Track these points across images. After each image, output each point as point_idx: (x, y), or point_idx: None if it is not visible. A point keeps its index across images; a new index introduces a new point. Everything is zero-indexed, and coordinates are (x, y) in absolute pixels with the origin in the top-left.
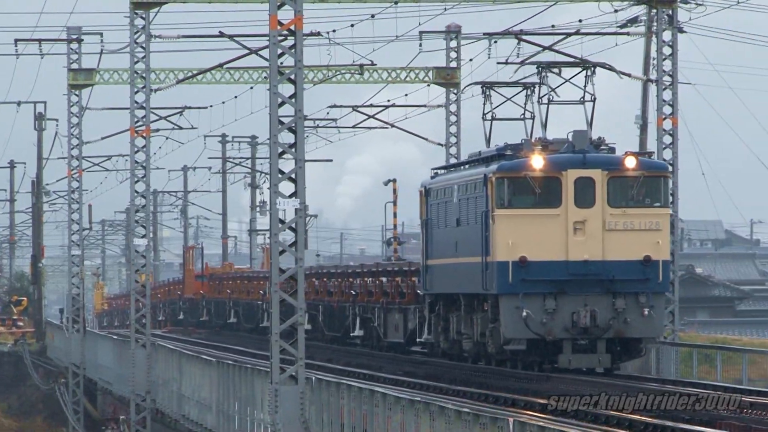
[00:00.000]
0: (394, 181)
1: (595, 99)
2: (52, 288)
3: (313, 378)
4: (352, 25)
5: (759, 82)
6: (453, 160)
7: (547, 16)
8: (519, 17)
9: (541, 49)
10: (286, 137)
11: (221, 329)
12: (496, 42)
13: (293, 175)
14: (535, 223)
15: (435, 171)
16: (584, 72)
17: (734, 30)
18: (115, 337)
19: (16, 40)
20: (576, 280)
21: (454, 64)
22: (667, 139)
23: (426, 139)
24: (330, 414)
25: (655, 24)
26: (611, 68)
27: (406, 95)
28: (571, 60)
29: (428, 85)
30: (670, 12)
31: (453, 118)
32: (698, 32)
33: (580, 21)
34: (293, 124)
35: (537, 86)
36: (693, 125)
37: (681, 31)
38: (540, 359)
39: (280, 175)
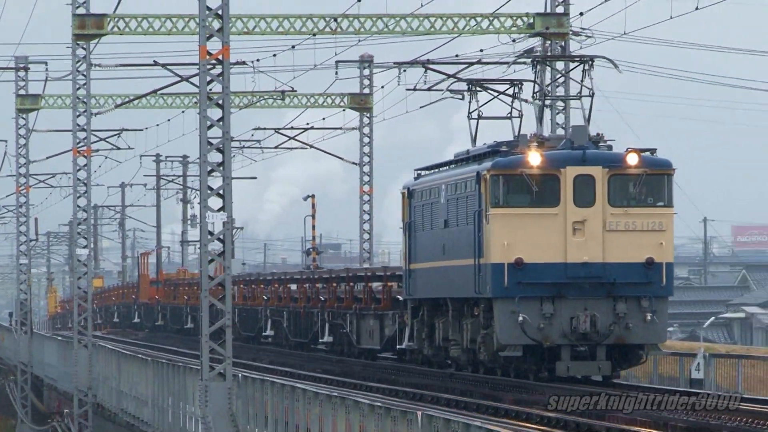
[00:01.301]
0: (313, 196)
1: (593, 94)
2: (1, 293)
3: (240, 375)
4: (274, 55)
5: (645, 107)
6: (366, 179)
7: (452, 46)
8: (426, 47)
9: (446, 76)
10: (215, 157)
11: (178, 332)
12: (405, 70)
13: (221, 192)
14: (532, 223)
15: (418, 172)
16: (582, 66)
17: (621, 60)
18: (59, 338)
19: None
20: (575, 284)
21: (367, 91)
22: None
23: (342, 159)
24: (255, 408)
25: (549, 54)
26: (612, 62)
27: (323, 118)
28: (567, 55)
29: (344, 110)
30: (563, 43)
31: (366, 140)
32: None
33: (481, 51)
34: (221, 145)
35: (525, 83)
36: None
37: (572, 61)
38: (536, 366)
39: (209, 192)
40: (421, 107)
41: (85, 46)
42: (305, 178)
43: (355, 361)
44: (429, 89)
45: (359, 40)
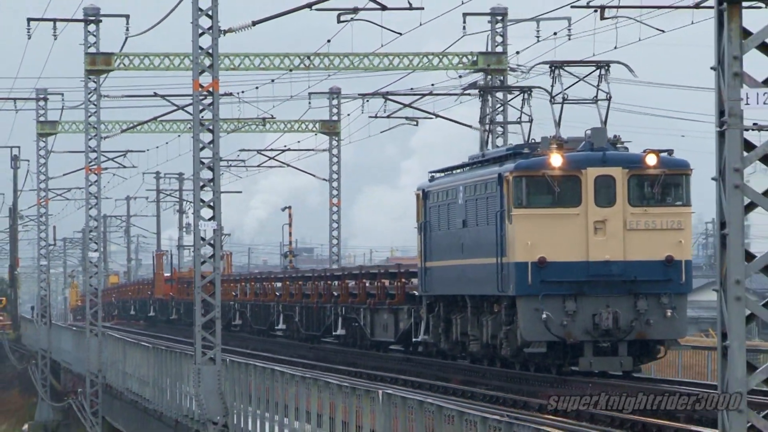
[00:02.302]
0: (290, 207)
1: (610, 98)
2: (25, 290)
3: (227, 360)
4: (256, 88)
5: (574, 133)
6: (335, 192)
7: (408, 80)
8: (386, 81)
9: (402, 105)
10: (206, 174)
11: (189, 325)
12: (368, 101)
13: (211, 204)
14: (554, 222)
15: (432, 174)
16: (598, 71)
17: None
18: (74, 328)
19: None
20: (597, 281)
21: (336, 118)
22: None
23: (314, 176)
24: (240, 387)
25: (488, 85)
26: (628, 68)
27: (298, 141)
28: (586, 60)
29: (316, 134)
30: (501, 78)
31: (335, 159)
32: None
33: (432, 85)
34: (211, 164)
35: (535, 89)
36: None
37: (510, 92)
38: (559, 362)
39: (201, 204)
40: (381, 132)
41: (95, 80)
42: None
43: (367, 352)
44: (388, 116)
45: (329, 75)
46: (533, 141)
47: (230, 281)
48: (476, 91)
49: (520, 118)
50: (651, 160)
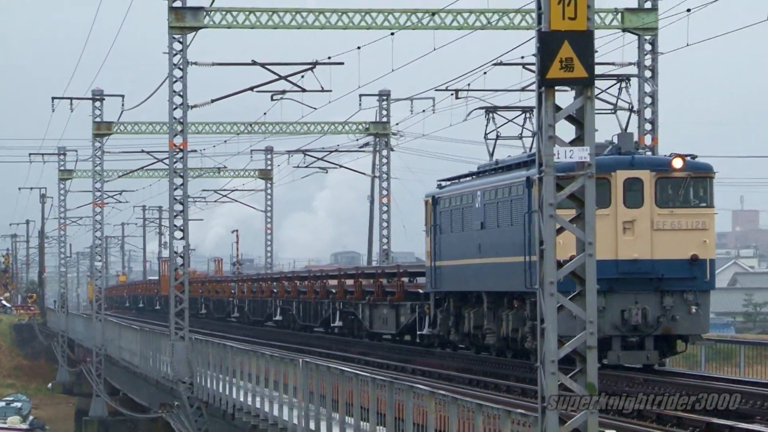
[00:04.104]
0: (237, 231)
1: (632, 108)
2: (49, 289)
3: (193, 338)
4: (214, 146)
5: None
6: (269, 221)
7: (321, 141)
8: (305, 141)
9: (316, 159)
10: (178, 207)
11: (192, 317)
12: (292, 155)
13: (182, 228)
14: None
15: (440, 182)
16: (618, 84)
17: (423, 149)
18: (84, 315)
19: (30, 154)
20: (625, 279)
21: (270, 167)
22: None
23: (255, 208)
24: (203, 357)
25: (377, 146)
26: (646, 80)
27: (243, 184)
28: (608, 73)
29: (256, 179)
30: (387, 139)
31: (269, 198)
32: (402, 152)
33: (338, 145)
34: (182, 200)
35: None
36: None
37: (392, 150)
38: None
39: (174, 228)
40: (302, 177)
41: (100, 141)
42: (235, 218)
43: (361, 341)
44: (307, 167)
45: (265, 137)
46: None
47: (228, 281)
48: (370, 148)
49: (615, 104)
50: (677, 163)
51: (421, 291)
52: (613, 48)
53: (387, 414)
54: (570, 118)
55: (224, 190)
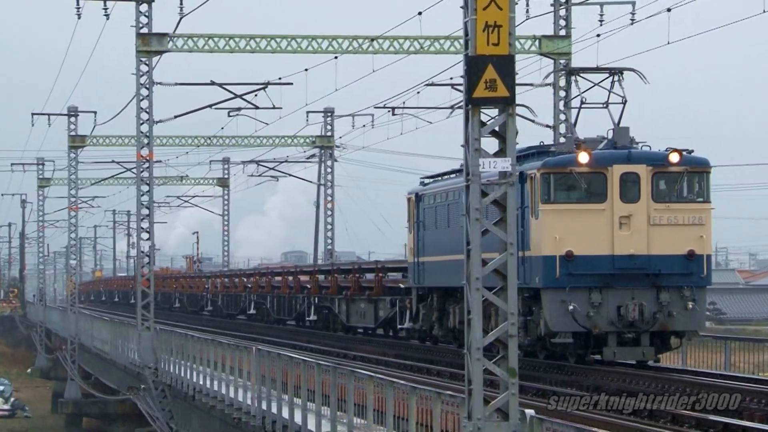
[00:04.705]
0: (197, 232)
1: (626, 101)
2: (29, 284)
3: (158, 327)
4: (177, 157)
5: (392, 195)
6: (226, 224)
7: (272, 152)
8: (258, 153)
9: (267, 168)
10: (145, 211)
11: (169, 310)
12: (247, 165)
13: (148, 230)
14: (580, 217)
15: (422, 180)
16: (612, 77)
17: (364, 160)
18: (60, 308)
19: (12, 163)
20: (621, 274)
21: (227, 176)
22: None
23: (214, 212)
24: (166, 345)
25: (323, 157)
26: (640, 74)
27: (203, 191)
28: (601, 67)
29: (214, 186)
30: (331, 151)
31: (226, 202)
32: (345, 162)
33: (287, 156)
34: (148, 205)
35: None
36: (347, 211)
37: (336, 161)
38: (584, 352)
39: (141, 230)
40: (256, 185)
41: (75, 152)
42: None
43: (335, 334)
44: (260, 175)
45: (222, 149)
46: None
47: (201, 277)
48: (316, 159)
49: (608, 99)
50: (674, 158)
51: (402, 286)
52: (530, 72)
53: (331, 395)
54: (494, 133)
55: (186, 196)
